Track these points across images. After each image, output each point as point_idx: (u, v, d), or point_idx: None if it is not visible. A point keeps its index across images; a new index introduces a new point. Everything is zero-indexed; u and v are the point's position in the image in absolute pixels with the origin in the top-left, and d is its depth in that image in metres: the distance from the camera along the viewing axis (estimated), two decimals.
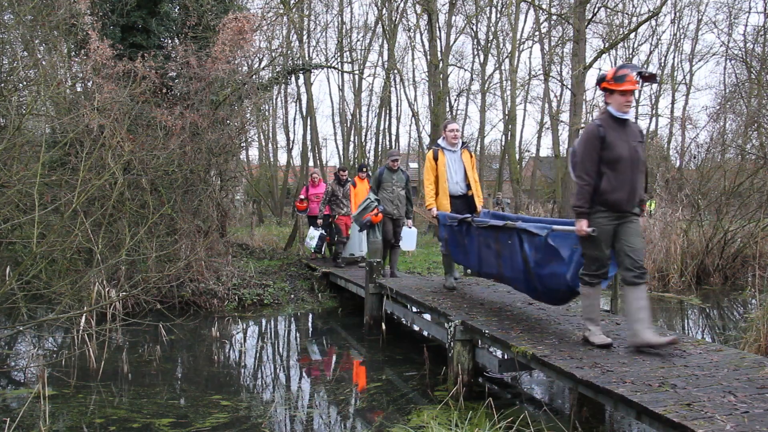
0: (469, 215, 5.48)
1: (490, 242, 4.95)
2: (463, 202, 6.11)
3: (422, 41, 28.12)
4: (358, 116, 28.43)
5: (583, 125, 17.64)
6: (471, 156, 6.27)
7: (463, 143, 6.28)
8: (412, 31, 27.83)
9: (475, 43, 29.07)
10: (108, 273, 6.79)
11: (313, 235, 9.65)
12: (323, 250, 10.98)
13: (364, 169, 9.93)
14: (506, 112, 26.86)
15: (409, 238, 7.86)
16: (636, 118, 30.16)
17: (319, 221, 9.57)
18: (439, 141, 6.24)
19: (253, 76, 10.81)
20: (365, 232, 8.81)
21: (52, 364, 5.57)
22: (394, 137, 29.83)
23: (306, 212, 10.48)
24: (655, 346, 3.73)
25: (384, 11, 24.14)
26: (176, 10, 11.15)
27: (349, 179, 9.62)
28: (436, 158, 6.10)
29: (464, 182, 6.12)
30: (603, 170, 3.84)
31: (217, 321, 7.58)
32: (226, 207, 10.33)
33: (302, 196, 10.47)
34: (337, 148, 37.31)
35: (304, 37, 25.75)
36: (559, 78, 27.92)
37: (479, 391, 4.70)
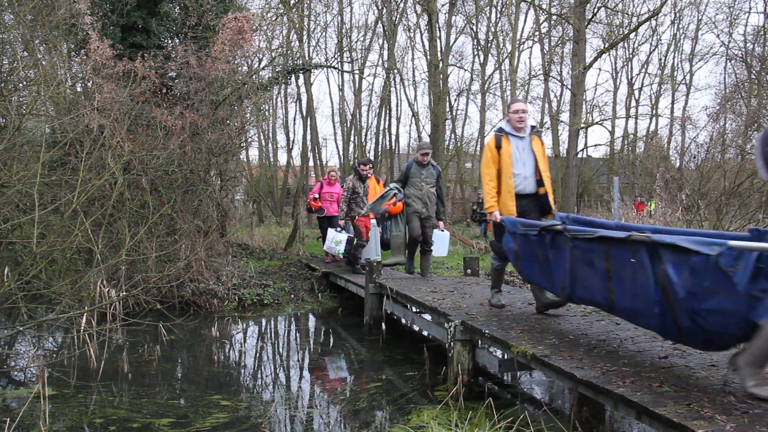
0: (558, 221, 4.20)
1: (594, 259, 3.69)
2: (532, 202, 4.87)
3: (422, 41, 28.15)
4: (358, 116, 28.43)
5: (582, 125, 17.66)
6: (542, 144, 4.97)
7: (532, 128, 4.96)
8: (412, 31, 27.85)
9: (475, 43, 29.08)
10: (108, 273, 6.79)
11: (340, 239, 8.45)
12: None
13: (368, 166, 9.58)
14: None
15: (440, 242, 7.15)
16: (636, 117, 30.17)
17: (341, 222, 8.45)
18: (502, 124, 4.94)
19: (253, 76, 10.80)
20: (379, 235, 8.40)
21: (52, 364, 5.57)
22: (394, 137, 29.82)
23: (320, 212, 9.80)
24: None
25: (384, 11, 24.14)
26: (176, 10, 11.16)
27: (368, 174, 8.66)
28: (498, 146, 4.81)
29: (534, 177, 4.85)
30: None
31: (217, 321, 7.58)
32: (226, 207, 10.34)
33: (316, 195, 9.75)
34: (337, 148, 37.32)
35: (304, 37, 25.75)
36: (559, 78, 27.93)
37: (479, 391, 4.70)
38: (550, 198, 4.87)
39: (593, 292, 3.77)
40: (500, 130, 4.91)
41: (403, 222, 7.00)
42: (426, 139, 26.82)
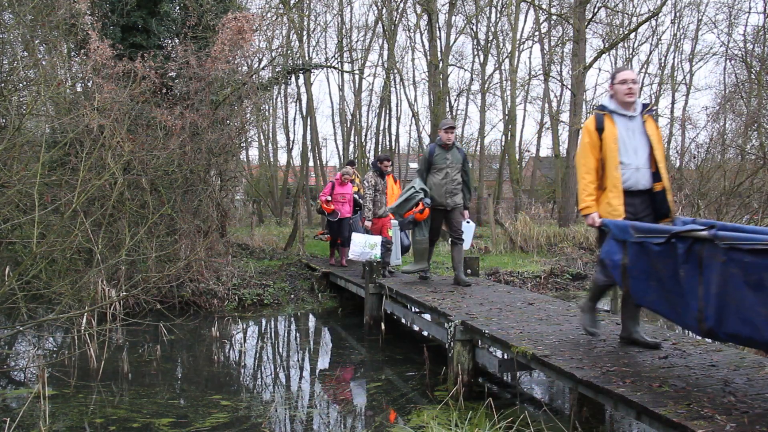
0: (700, 227, 3.00)
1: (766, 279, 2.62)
2: (645, 202, 3.78)
3: (422, 41, 28.14)
4: (358, 116, 28.42)
5: (583, 125, 17.65)
6: (657, 127, 3.89)
7: (644, 106, 3.86)
8: (412, 31, 27.86)
9: (475, 43, 29.06)
10: (108, 273, 6.79)
11: (374, 241, 7.64)
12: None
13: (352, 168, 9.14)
14: (506, 112, 26.86)
15: (465, 233, 6.51)
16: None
17: (368, 224, 7.72)
18: (605, 101, 3.89)
19: (253, 76, 10.80)
20: (397, 236, 7.80)
21: (52, 364, 5.57)
22: (394, 137, 29.83)
23: (333, 216, 8.96)
24: None
25: (384, 11, 24.14)
26: (176, 10, 11.16)
27: (389, 171, 8.06)
28: (600, 128, 3.76)
29: (648, 168, 3.75)
30: None
31: (217, 321, 7.58)
32: (226, 207, 10.33)
33: (328, 197, 9.03)
34: (337, 148, 37.31)
35: (304, 37, 25.74)
36: (559, 78, 27.92)
37: (479, 391, 4.70)
38: (669, 196, 3.77)
39: (758, 327, 2.68)
40: (602, 107, 3.84)
41: (427, 226, 6.31)
42: (426, 139, 26.82)
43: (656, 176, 3.78)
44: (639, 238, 3.30)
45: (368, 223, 7.70)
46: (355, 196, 9.18)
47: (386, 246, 7.74)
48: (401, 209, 6.18)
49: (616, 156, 3.72)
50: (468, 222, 6.50)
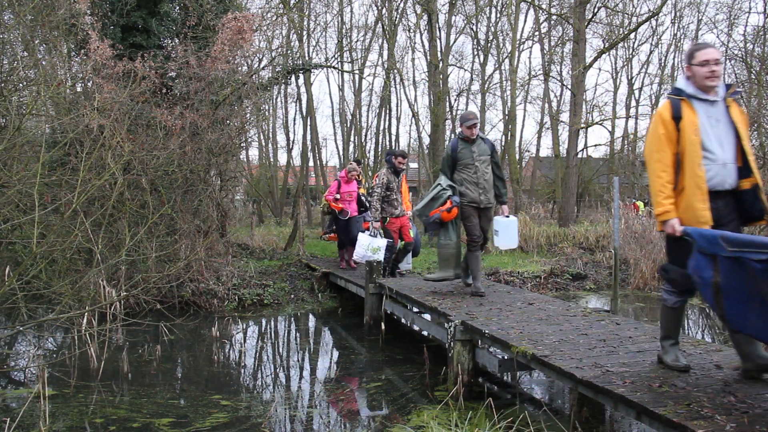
0: None
1: None
2: (729, 205, 3.17)
3: (422, 41, 28.11)
4: (358, 116, 28.41)
5: (582, 125, 17.67)
6: (743, 113, 3.29)
7: (728, 87, 3.23)
8: (412, 31, 27.82)
9: (475, 43, 29.05)
10: (108, 273, 6.79)
11: (378, 245, 7.19)
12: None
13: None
14: (506, 112, 26.86)
15: (507, 231, 5.86)
16: (636, 117, 30.14)
17: (376, 224, 7.27)
18: (680, 83, 3.27)
19: (253, 76, 10.80)
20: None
21: (52, 364, 5.57)
22: (394, 137, 29.81)
23: (344, 215, 8.62)
24: None
25: (384, 11, 24.13)
26: (176, 10, 11.16)
27: (404, 169, 7.63)
28: (677, 116, 3.15)
29: (735, 163, 3.15)
30: None
31: (217, 321, 7.58)
32: (226, 207, 10.33)
33: (336, 195, 8.65)
34: (337, 148, 37.32)
35: (304, 37, 25.74)
36: (559, 78, 27.91)
37: (479, 391, 4.70)
38: (762, 195, 3.14)
39: None
40: (677, 91, 3.22)
41: (455, 228, 5.62)
42: (426, 139, 26.83)
43: (744, 171, 3.14)
44: (734, 253, 2.75)
45: (377, 224, 7.25)
46: (362, 197, 8.90)
47: (391, 250, 7.35)
48: (427, 210, 5.54)
49: (698, 150, 3.08)
50: (508, 216, 5.84)
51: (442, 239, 5.70)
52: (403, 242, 7.59)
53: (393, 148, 28.79)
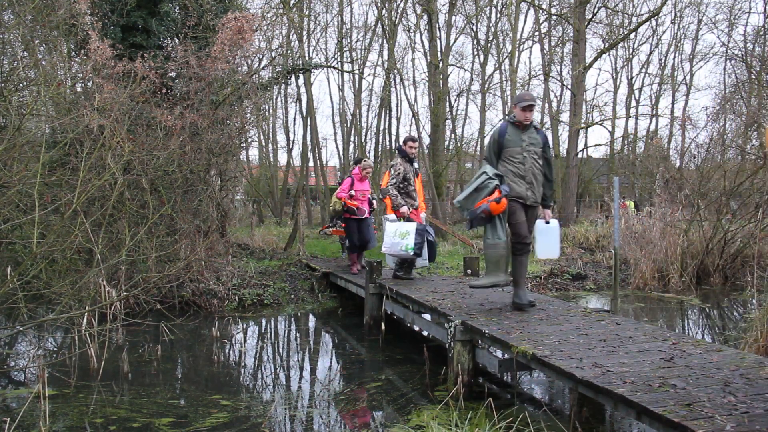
0: None
1: None
2: None
3: (422, 41, 28.13)
4: (358, 116, 28.41)
5: (582, 125, 17.66)
6: None
7: None
8: (412, 31, 27.83)
9: (475, 43, 29.07)
10: (108, 273, 6.79)
11: (406, 229, 6.53)
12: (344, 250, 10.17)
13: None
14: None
15: (548, 237, 5.15)
16: (636, 117, 30.16)
17: (405, 210, 6.72)
18: None
19: (253, 76, 10.81)
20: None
21: (52, 364, 5.57)
22: (394, 137, 29.81)
23: (359, 213, 8.12)
24: None
25: (384, 11, 24.12)
26: (176, 10, 11.16)
27: (416, 156, 7.08)
28: None
29: None
30: None
31: (217, 321, 7.58)
32: (226, 207, 10.33)
33: (351, 191, 8.11)
34: (337, 148, 37.41)
35: (304, 37, 25.74)
36: (559, 78, 27.95)
37: (479, 391, 4.70)
38: None
39: None
40: None
41: (503, 224, 4.89)
42: (426, 139, 26.80)
43: None
44: None
45: (404, 209, 6.71)
46: (372, 198, 8.56)
47: (421, 237, 6.61)
48: (470, 202, 4.77)
49: None
50: (547, 222, 5.17)
51: (489, 238, 4.87)
52: None
53: (392, 148, 28.79)
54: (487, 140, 5.11)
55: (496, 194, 4.71)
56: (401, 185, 6.82)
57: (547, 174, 5.10)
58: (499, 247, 4.89)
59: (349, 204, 8.06)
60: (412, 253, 6.56)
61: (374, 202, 8.65)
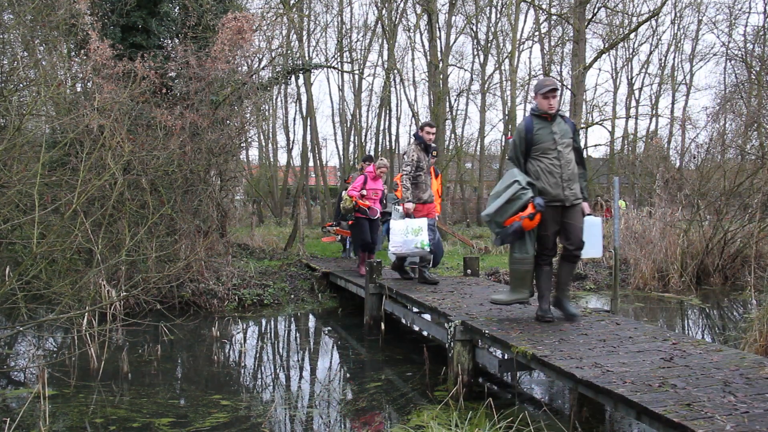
0: None
1: None
2: None
3: (422, 41, 28.13)
4: (358, 116, 28.42)
5: (582, 125, 17.66)
6: None
7: None
8: (412, 31, 27.84)
9: (475, 43, 29.08)
10: (108, 273, 6.79)
11: (418, 225, 6.20)
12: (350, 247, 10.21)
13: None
14: (506, 112, 26.87)
15: (589, 233, 4.64)
16: (636, 117, 30.15)
17: (409, 206, 6.34)
18: None
19: (253, 76, 10.80)
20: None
21: (52, 364, 5.57)
22: (394, 137, 29.83)
23: (371, 212, 7.91)
24: None
25: (384, 11, 24.13)
26: (176, 10, 11.16)
27: (434, 144, 6.63)
28: None
29: None
30: None
31: (217, 321, 7.58)
32: (226, 207, 10.33)
33: (363, 191, 7.87)
34: (337, 148, 37.35)
35: (304, 37, 25.74)
36: (559, 78, 27.90)
37: (479, 391, 4.70)
38: None
39: None
40: None
41: (532, 239, 4.50)
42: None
43: None
44: None
45: (410, 205, 6.33)
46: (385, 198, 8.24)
47: (434, 232, 6.30)
48: (501, 215, 4.35)
49: None
50: (587, 214, 4.67)
51: (517, 252, 4.53)
52: None
53: (392, 148, 28.80)
54: (513, 138, 4.59)
55: (529, 209, 4.29)
56: (416, 176, 6.35)
57: (582, 163, 4.67)
58: (526, 262, 4.55)
59: (361, 204, 7.81)
60: (428, 250, 6.26)
61: (386, 201, 8.36)
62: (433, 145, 6.50)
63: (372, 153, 28.80)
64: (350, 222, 8.35)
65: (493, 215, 4.43)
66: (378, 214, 7.94)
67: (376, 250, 8.24)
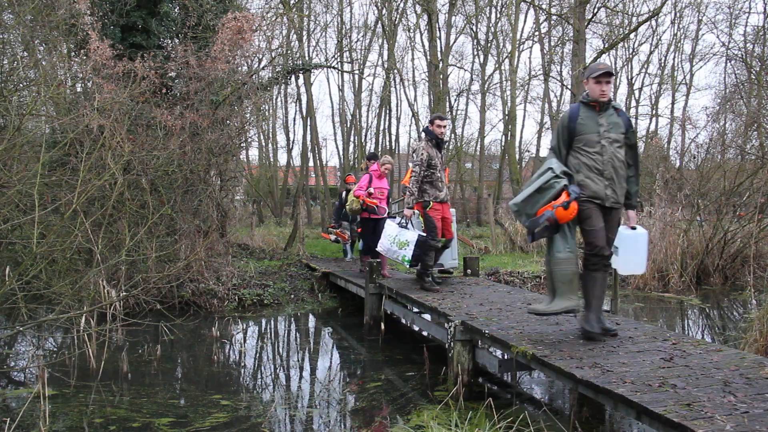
0: None
1: None
2: None
3: (422, 41, 28.14)
4: (358, 116, 28.41)
5: None
6: None
7: None
8: (412, 31, 27.83)
9: (475, 43, 29.07)
10: (108, 273, 6.79)
11: (407, 238, 5.93)
12: (349, 252, 10.18)
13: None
14: (506, 112, 26.87)
15: (632, 248, 4.11)
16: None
17: (408, 212, 5.97)
18: None
19: (253, 76, 10.80)
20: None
21: (52, 364, 5.57)
22: (394, 137, 29.83)
23: (375, 211, 7.67)
24: None
25: (384, 11, 24.13)
26: (176, 10, 11.16)
27: (446, 139, 6.13)
28: None
29: None
30: None
31: (217, 321, 7.58)
32: (226, 207, 10.33)
33: (370, 189, 7.62)
34: (337, 148, 37.40)
35: (304, 37, 25.74)
36: (559, 78, 27.92)
37: (479, 391, 4.70)
38: None
39: None
40: None
41: (573, 232, 3.96)
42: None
43: None
44: None
45: (408, 212, 5.96)
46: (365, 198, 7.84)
47: (434, 245, 5.93)
48: (531, 205, 3.87)
49: None
50: (634, 228, 4.15)
51: (558, 250, 3.89)
52: (444, 239, 6.27)
53: (392, 148, 28.81)
54: (557, 125, 4.10)
55: (563, 197, 3.77)
56: (426, 174, 5.90)
57: (636, 165, 4.10)
58: (570, 261, 3.88)
59: (369, 202, 7.54)
60: (408, 266, 6.13)
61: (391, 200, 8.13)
62: (445, 139, 6.10)
63: (373, 150, 28.78)
64: (359, 230, 8.04)
65: (522, 205, 3.91)
66: (386, 213, 7.71)
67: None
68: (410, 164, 6.02)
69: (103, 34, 9.08)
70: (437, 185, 6.00)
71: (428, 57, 22.00)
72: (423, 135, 6.17)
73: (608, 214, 3.99)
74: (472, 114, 47.64)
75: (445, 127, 5.99)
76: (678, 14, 28.17)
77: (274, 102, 27.28)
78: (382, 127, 28.63)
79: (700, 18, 32.87)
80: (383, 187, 7.79)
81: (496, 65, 27.85)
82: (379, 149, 28.57)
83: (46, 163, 6.42)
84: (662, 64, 30.09)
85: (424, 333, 7.02)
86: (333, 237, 10.45)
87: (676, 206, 11.08)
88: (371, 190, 7.59)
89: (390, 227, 6.19)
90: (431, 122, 6.11)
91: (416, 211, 6.17)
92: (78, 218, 5.16)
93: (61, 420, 4.27)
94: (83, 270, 6.35)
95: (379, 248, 6.40)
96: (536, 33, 27.02)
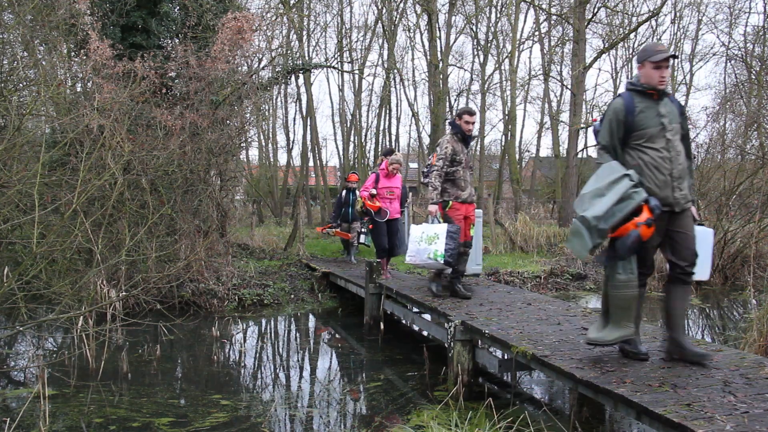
0: None
1: None
2: None
3: (422, 41, 28.15)
4: (358, 116, 28.39)
5: (582, 125, 17.69)
6: None
7: None
8: (412, 31, 27.83)
9: (475, 43, 29.07)
10: (108, 273, 6.79)
11: (436, 231, 5.36)
12: (352, 253, 10.09)
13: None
14: (506, 112, 26.87)
15: (700, 249, 3.51)
16: None
17: (432, 209, 5.46)
18: None
19: (253, 76, 10.80)
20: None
21: (52, 364, 5.57)
22: (394, 137, 29.82)
23: (381, 215, 7.27)
24: None
25: (384, 11, 24.13)
26: (176, 10, 11.16)
27: (475, 134, 5.67)
28: None
29: None
30: None
31: (217, 321, 7.57)
32: (226, 207, 10.33)
33: (372, 190, 7.26)
34: (337, 148, 37.38)
35: (304, 37, 25.73)
36: (559, 78, 27.91)
37: (479, 391, 4.70)
38: None
39: None
40: None
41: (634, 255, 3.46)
42: (426, 139, 26.74)
43: None
44: None
45: (432, 208, 5.45)
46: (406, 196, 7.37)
47: (455, 241, 5.34)
48: (606, 219, 3.24)
49: None
50: (700, 223, 3.64)
51: (621, 273, 3.42)
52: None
53: (392, 147, 28.77)
54: (606, 118, 3.52)
55: (645, 214, 3.24)
56: (448, 170, 5.47)
57: (690, 154, 3.63)
58: (631, 285, 3.43)
59: (369, 205, 7.17)
60: (442, 261, 5.32)
61: (409, 198, 7.71)
62: (474, 134, 5.62)
63: (372, 153, 28.81)
64: (371, 226, 7.61)
65: (602, 217, 3.25)
66: (394, 214, 7.31)
67: (399, 253, 7.47)
68: (431, 158, 5.58)
69: (103, 34, 9.08)
70: (459, 184, 5.54)
71: (428, 57, 22.01)
72: (448, 128, 5.71)
73: (681, 216, 3.46)
74: None
75: (473, 123, 5.49)
76: (678, 14, 28.17)
77: (274, 102, 27.28)
78: (382, 127, 28.63)
79: (700, 18, 32.91)
80: (393, 186, 7.31)
81: (496, 65, 27.85)
82: (379, 149, 28.56)
83: (46, 163, 6.43)
84: None
85: (424, 333, 7.02)
86: (331, 232, 10.43)
87: None
88: (374, 191, 7.23)
89: (414, 230, 5.66)
90: (459, 116, 5.59)
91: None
92: (78, 218, 5.16)
93: (60, 420, 4.27)
94: (83, 270, 6.35)
95: (408, 260, 5.76)
96: (536, 33, 27.03)
